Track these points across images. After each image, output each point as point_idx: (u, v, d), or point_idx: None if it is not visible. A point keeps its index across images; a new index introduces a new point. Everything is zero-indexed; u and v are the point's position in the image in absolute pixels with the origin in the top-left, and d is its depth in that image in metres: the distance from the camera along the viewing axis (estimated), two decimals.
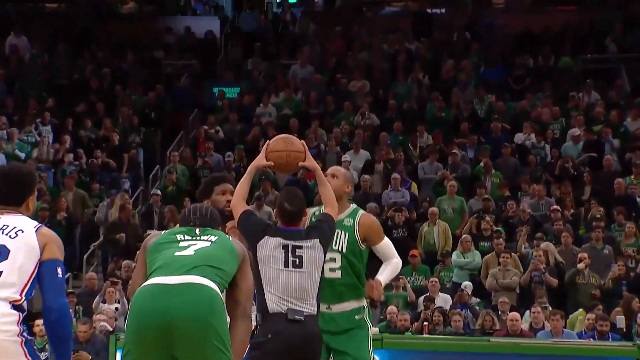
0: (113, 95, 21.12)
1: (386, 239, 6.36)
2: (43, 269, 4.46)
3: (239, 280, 4.83)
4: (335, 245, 6.16)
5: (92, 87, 21.45)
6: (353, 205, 6.36)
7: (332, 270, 6.14)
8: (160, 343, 4.50)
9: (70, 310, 8.61)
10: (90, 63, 22.51)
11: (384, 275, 6.30)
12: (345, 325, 6.22)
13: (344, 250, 6.20)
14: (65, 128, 19.81)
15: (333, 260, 6.14)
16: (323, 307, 6.09)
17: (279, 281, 5.50)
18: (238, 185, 5.74)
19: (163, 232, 5.04)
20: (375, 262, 6.50)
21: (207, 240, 4.84)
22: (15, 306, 4.40)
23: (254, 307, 5.56)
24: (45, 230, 4.59)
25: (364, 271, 6.35)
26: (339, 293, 6.18)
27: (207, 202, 5.61)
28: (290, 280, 5.51)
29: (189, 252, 4.73)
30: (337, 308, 6.22)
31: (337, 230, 6.08)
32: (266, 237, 5.58)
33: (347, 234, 6.21)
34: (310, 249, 5.58)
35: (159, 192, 17.59)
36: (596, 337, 12.01)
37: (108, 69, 22.05)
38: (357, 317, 6.25)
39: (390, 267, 6.34)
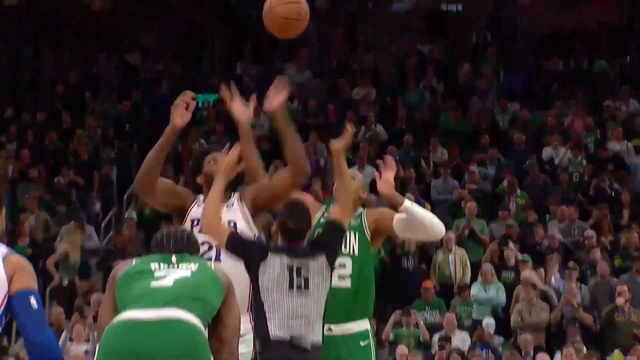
0: (81, 103, 21.12)
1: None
2: (15, 302, 4.30)
3: (223, 315, 4.77)
4: (345, 248, 6.05)
5: (57, 94, 21.46)
6: (361, 208, 6.33)
7: (340, 278, 6.05)
8: None
9: None
10: (54, 66, 22.53)
11: (414, 205, 6.13)
12: (346, 353, 6.08)
13: (356, 253, 6.13)
14: (26, 140, 19.80)
15: (343, 266, 6.05)
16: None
17: (282, 306, 5.46)
18: (208, 201, 5.57)
19: (134, 260, 4.95)
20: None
21: (187, 268, 4.78)
22: None
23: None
24: (14, 257, 4.40)
25: (374, 281, 6.25)
26: (345, 309, 6.06)
27: (201, 177, 5.76)
28: (295, 304, 5.47)
29: (167, 282, 4.67)
30: (340, 329, 6.09)
31: None
32: (269, 255, 5.52)
33: (356, 234, 6.15)
34: (317, 269, 5.53)
35: (134, 215, 17.55)
36: None
37: (76, 72, 22.06)
38: (362, 343, 6.13)
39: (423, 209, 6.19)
